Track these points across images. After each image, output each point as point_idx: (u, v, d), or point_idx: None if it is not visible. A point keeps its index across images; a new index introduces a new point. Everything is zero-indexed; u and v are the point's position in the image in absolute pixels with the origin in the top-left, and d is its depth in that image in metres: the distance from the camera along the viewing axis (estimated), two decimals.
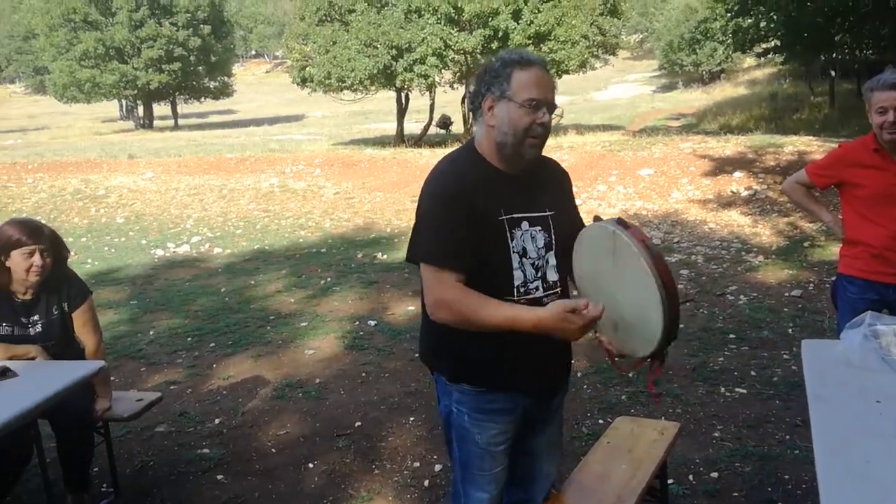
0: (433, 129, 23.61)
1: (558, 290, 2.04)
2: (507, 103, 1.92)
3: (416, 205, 2.05)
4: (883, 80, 3.03)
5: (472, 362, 2.04)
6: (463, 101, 20.71)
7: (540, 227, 2.02)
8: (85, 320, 3.30)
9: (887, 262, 3.13)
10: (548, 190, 2.08)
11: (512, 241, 1.96)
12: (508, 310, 1.88)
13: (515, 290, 1.96)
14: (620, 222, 1.90)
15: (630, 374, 4.47)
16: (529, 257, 1.99)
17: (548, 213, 2.04)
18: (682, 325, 5.62)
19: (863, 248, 3.20)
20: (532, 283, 1.99)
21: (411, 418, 4.22)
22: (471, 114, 2.05)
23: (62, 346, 3.24)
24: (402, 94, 22.24)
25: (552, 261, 2.03)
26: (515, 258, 1.96)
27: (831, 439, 1.97)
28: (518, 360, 2.00)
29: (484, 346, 1.98)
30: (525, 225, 1.99)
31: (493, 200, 1.95)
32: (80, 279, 3.36)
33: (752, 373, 4.58)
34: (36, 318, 3.18)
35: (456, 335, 1.98)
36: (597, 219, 2.01)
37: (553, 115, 1.96)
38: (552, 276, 2.03)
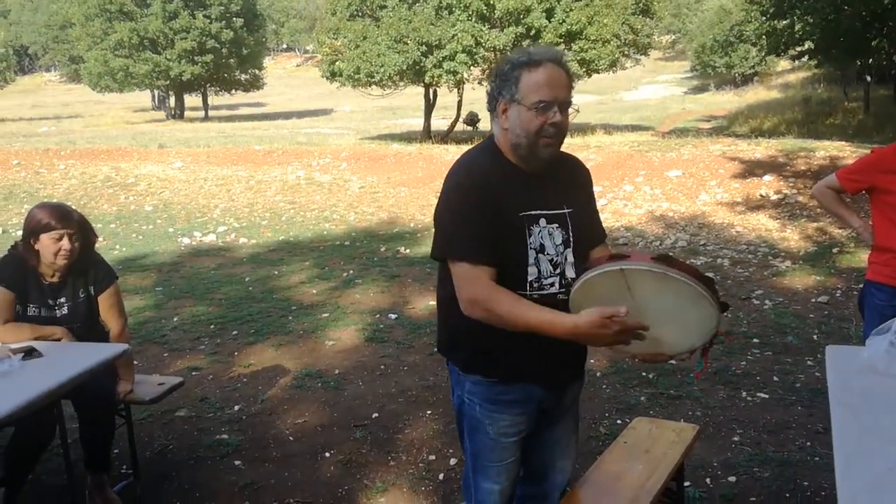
0: (460, 126, 23.59)
1: (575, 279, 2.03)
2: (518, 107, 1.92)
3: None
4: None
5: (484, 353, 2.04)
6: None
7: (557, 225, 2.01)
8: (111, 304, 3.35)
9: None
10: (567, 187, 2.07)
11: (529, 237, 1.96)
12: (544, 314, 1.87)
13: (528, 285, 1.96)
14: (616, 257, 1.86)
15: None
16: (547, 254, 1.98)
17: (566, 211, 2.03)
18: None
19: (892, 255, 3.14)
20: (547, 279, 1.98)
21: (428, 412, 4.22)
22: (490, 114, 2.04)
23: (87, 328, 3.29)
24: (431, 91, 22.24)
25: (570, 258, 2.02)
26: (532, 254, 1.96)
27: (852, 446, 1.93)
28: (530, 352, 1.99)
29: (497, 338, 1.97)
30: (543, 222, 1.98)
31: (512, 196, 1.95)
32: (108, 264, 3.41)
33: (775, 378, 4.52)
34: (63, 300, 3.23)
35: (470, 326, 1.98)
36: (584, 270, 1.92)
37: (570, 111, 1.95)
38: (570, 273, 2.02)
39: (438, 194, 2.06)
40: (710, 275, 7.09)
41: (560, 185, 2.05)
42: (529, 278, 1.96)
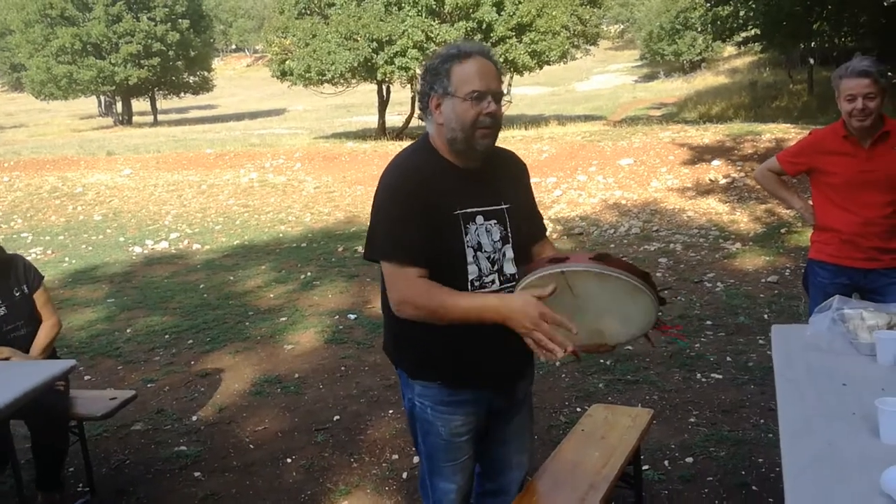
0: (416, 122, 23.52)
1: (516, 283, 2.04)
2: (451, 99, 1.92)
3: None
4: (851, 68, 3.05)
5: (430, 358, 2.04)
6: None
7: (495, 221, 2.01)
8: (45, 300, 3.44)
9: (857, 248, 3.16)
10: (504, 183, 2.07)
11: (466, 235, 1.95)
12: (475, 298, 1.89)
13: (469, 284, 1.96)
14: (556, 260, 1.87)
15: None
16: (485, 251, 1.98)
17: (503, 207, 2.03)
18: (660, 314, 5.70)
19: (833, 233, 3.24)
20: (487, 276, 1.98)
21: (390, 411, 4.21)
22: (422, 113, 2.03)
23: (33, 324, 3.36)
24: (384, 87, 22.14)
25: (509, 254, 2.02)
26: (470, 252, 1.96)
27: (796, 422, 1.99)
28: (475, 353, 2.00)
29: (441, 342, 1.98)
30: (480, 219, 1.98)
31: (448, 195, 1.94)
32: (28, 261, 3.50)
33: (728, 358, 4.62)
34: None
35: (413, 331, 1.98)
36: (523, 273, 1.93)
37: (502, 103, 1.96)
38: (509, 268, 2.02)
39: None
40: (664, 259, 7.20)
41: (496, 180, 2.05)
42: (470, 277, 1.96)
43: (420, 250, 1.89)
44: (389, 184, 1.96)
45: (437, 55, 1.98)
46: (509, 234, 2.03)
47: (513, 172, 2.15)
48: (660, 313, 1.92)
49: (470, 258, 1.95)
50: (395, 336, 2.12)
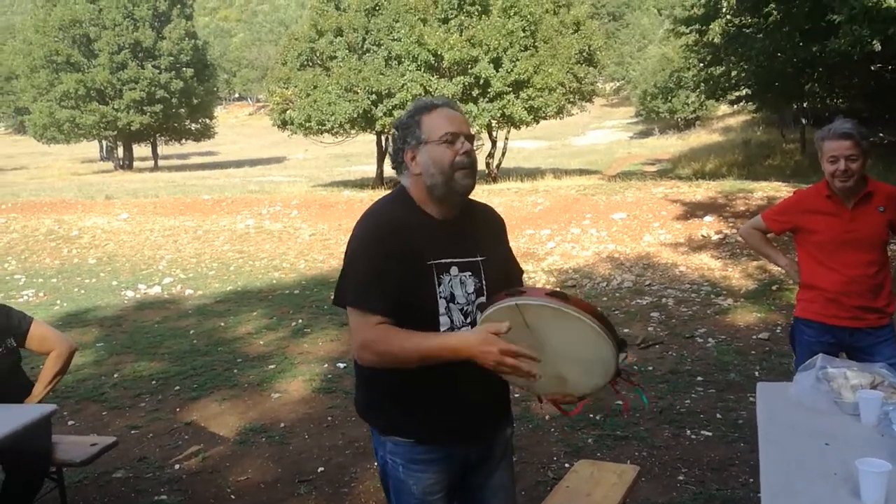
0: None
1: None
2: (426, 146, 1.96)
3: None
4: (833, 130, 3.12)
5: (398, 415, 2.03)
6: None
7: (470, 273, 2.01)
8: (41, 336, 3.27)
9: (842, 307, 3.18)
10: (480, 235, 2.08)
11: (439, 286, 1.96)
12: (433, 339, 1.87)
13: None
14: (512, 293, 1.86)
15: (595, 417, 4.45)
16: (458, 303, 1.98)
17: (479, 259, 2.04)
18: (650, 368, 5.71)
19: (818, 292, 3.25)
20: (460, 328, 1.98)
21: (375, 463, 4.14)
22: (396, 171, 2.06)
23: (6, 384, 3.20)
24: (382, 138, 22.46)
25: None
26: (442, 303, 1.96)
27: (779, 481, 1.97)
28: (444, 409, 1.98)
29: (410, 397, 1.97)
30: (454, 270, 1.99)
31: (422, 244, 1.95)
32: (11, 308, 3.31)
33: (718, 415, 4.59)
34: None
35: (382, 388, 1.99)
36: (483, 306, 1.94)
37: (476, 145, 2.00)
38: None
39: None
40: (656, 314, 7.18)
41: (473, 232, 2.07)
42: (442, 328, 1.95)
43: (386, 299, 1.89)
44: (362, 231, 1.98)
45: (405, 113, 2.04)
46: (484, 287, 2.03)
47: (491, 226, 2.17)
48: (624, 359, 1.87)
49: (442, 309, 1.96)
50: (364, 393, 2.10)
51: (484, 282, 2.03)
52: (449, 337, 1.87)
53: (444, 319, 1.96)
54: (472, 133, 2.01)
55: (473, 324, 2.00)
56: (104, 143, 44.60)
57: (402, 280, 1.91)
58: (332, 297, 2.05)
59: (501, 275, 2.08)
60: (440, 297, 1.95)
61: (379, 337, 1.88)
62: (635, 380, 1.97)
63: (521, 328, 1.81)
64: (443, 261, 1.97)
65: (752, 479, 3.71)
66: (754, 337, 6.24)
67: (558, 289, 1.83)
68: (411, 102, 12.18)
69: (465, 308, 2.00)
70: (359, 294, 1.92)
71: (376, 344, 1.89)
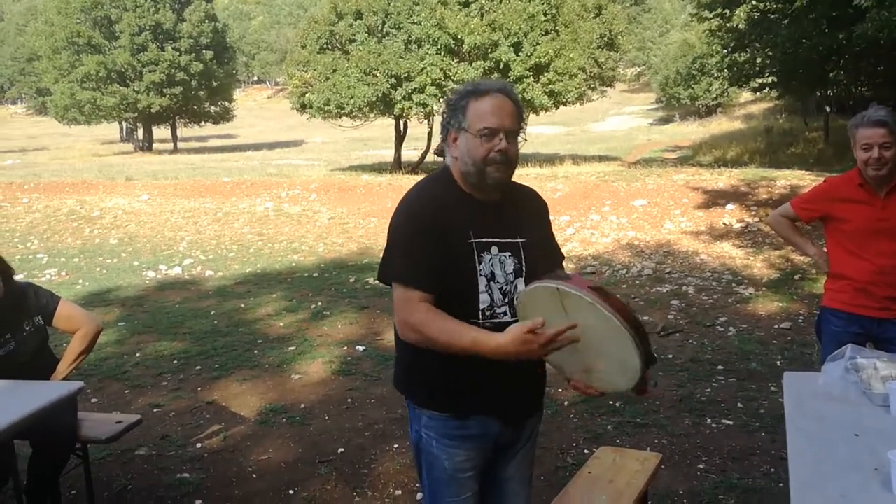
0: (431, 157, 23.72)
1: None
2: (465, 135, 1.97)
3: None
4: (867, 117, 3.06)
5: (439, 388, 2.04)
6: None
7: (510, 253, 2.03)
8: (68, 315, 3.29)
9: (871, 296, 3.13)
10: (522, 218, 2.10)
11: (480, 264, 1.97)
12: (472, 334, 1.89)
13: (481, 313, 1.97)
14: (558, 277, 1.88)
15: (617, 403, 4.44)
16: (497, 282, 2.00)
17: (519, 241, 2.05)
18: (670, 356, 5.67)
19: (847, 281, 3.21)
20: (499, 307, 2.00)
21: (395, 445, 4.18)
22: (443, 144, 2.09)
23: (36, 360, 3.25)
24: (401, 122, 22.41)
25: (521, 287, 2.03)
26: (482, 281, 1.98)
27: (807, 473, 1.95)
28: (485, 385, 1.99)
29: (451, 372, 1.98)
30: (494, 250, 2.01)
31: (464, 224, 1.98)
32: (39, 287, 3.34)
33: (739, 405, 4.56)
34: (8, 336, 3.16)
35: (424, 361, 1.99)
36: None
37: (519, 139, 1.99)
38: None
39: None
40: (676, 302, 7.14)
41: (515, 214, 2.08)
42: (481, 306, 1.97)
43: (430, 275, 1.93)
44: (407, 209, 2.02)
45: (457, 91, 2.03)
46: (523, 268, 2.04)
47: (532, 209, 2.18)
48: (655, 384, 1.89)
49: (482, 287, 1.97)
50: (406, 365, 2.12)
51: (524, 263, 2.04)
52: (484, 342, 1.86)
53: (483, 297, 1.98)
54: (518, 126, 1.98)
55: (511, 304, 2.01)
56: (124, 124, 44.90)
57: (444, 258, 1.93)
58: (377, 274, 2.08)
59: (541, 257, 2.09)
60: (480, 275, 1.97)
61: (422, 319, 1.91)
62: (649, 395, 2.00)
63: (558, 311, 1.83)
64: (483, 240, 1.99)
65: (773, 469, 3.68)
66: (776, 326, 6.18)
67: (598, 284, 1.81)
68: (431, 86, 12.14)
69: (504, 287, 2.01)
70: (402, 270, 1.96)
71: (419, 325, 1.92)
